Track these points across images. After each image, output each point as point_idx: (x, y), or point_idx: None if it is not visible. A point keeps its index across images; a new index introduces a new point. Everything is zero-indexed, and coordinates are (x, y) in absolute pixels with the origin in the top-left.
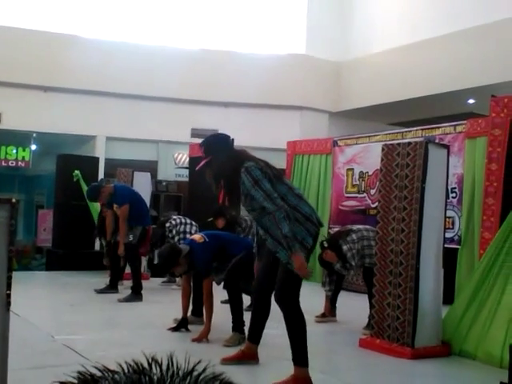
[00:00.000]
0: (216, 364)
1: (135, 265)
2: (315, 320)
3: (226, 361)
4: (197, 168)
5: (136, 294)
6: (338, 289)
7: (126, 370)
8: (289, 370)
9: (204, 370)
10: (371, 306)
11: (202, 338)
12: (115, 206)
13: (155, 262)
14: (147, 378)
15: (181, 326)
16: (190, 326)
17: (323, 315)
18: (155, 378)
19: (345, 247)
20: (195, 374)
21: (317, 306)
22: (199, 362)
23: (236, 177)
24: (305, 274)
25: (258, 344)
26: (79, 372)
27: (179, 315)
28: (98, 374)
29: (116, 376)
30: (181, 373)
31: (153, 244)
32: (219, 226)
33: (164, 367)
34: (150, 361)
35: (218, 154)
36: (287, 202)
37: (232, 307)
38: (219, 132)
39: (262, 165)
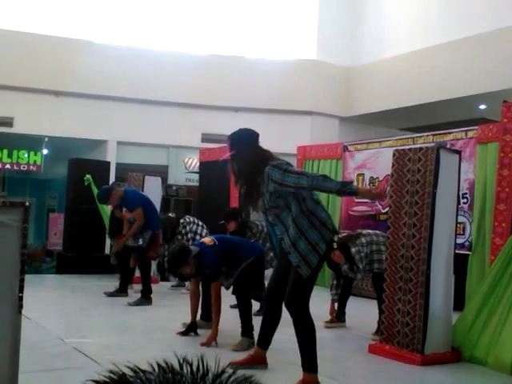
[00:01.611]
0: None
1: (144, 269)
2: (324, 325)
3: (235, 365)
4: (220, 159)
5: (146, 298)
6: (347, 294)
7: (157, 370)
8: (297, 374)
9: (234, 371)
10: (380, 312)
11: (211, 341)
12: (125, 210)
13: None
14: (179, 377)
15: (190, 330)
16: (198, 330)
17: (332, 320)
18: (188, 377)
19: (353, 249)
20: (225, 375)
21: (326, 310)
22: (229, 365)
23: (257, 175)
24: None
25: (266, 349)
26: (111, 371)
27: (188, 319)
28: (130, 373)
29: (149, 375)
30: (210, 374)
31: (163, 233)
32: (230, 228)
33: (193, 368)
34: (182, 361)
35: (242, 149)
36: (306, 206)
37: (241, 312)
38: (248, 128)
39: (286, 164)
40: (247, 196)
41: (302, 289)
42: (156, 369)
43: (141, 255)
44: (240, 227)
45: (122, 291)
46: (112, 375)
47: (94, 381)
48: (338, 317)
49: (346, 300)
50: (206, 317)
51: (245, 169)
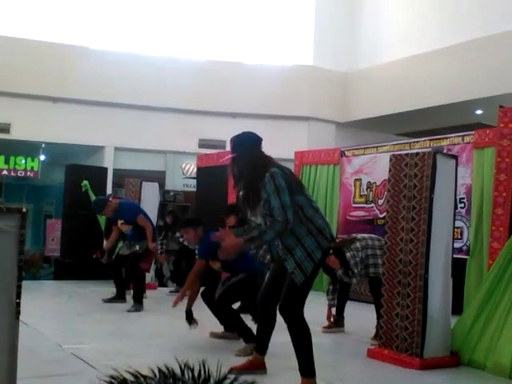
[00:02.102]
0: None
1: (138, 275)
2: (322, 330)
3: (235, 370)
4: (221, 160)
5: (139, 303)
6: (345, 298)
7: (158, 376)
8: (296, 379)
9: (236, 378)
10: (379, 317)
11: (176, 302)
12: (121, 222)
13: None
14: (180, 383)
15: (188, 318)
16: (222, 341)
17: (330, 326)
18: (190, 383)
19: (348, 254)
20: (227, 381)
21: (323, 315)
22: (230, 371)
23: (257, 180)
24: (223, 255)
25: (264, 355)
26: (112, 376)
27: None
28: (131, 378)
29: (150, 381)
30: (212, 380)
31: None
32: (230, 223)
33: (194, 374)
34: (183, 367)
35: (243, 153)
36: (303, 213)
37: (232, 325)
38: (252, 132)
39: (288, 173)
40: (245, 200)
41: (297, 294)
42: (157, 374)
43: (135, 261)
44: (239, 223)
45: (119, 297)
46: (113, 380)
47: None
48: (336, 322)
49: (344, 305)
50: (229, 328)
51: (244, 173)
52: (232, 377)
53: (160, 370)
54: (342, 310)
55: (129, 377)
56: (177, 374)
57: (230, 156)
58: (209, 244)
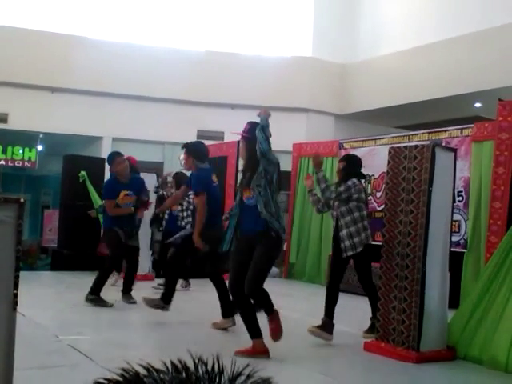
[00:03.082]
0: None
1: (135, 268)
2: (363, 336)
3: (239, 354)
4: (231, 132)
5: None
6: (336, 300)
7: (170, 369)
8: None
9: (249, 375)
10: (374, 310)
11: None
12: (124, 193)
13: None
14: (194, 378)
15: None
16: (221, 333)
17: (370, 329)
18: (205, 378)
19: (350, 183)
20: (243, 377)
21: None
22: (247, 366)
23: (254, 167)
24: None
25: (261, 337)
26: (123, 369)
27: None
28: (143, 371)
29: (162, 375)
30: (226, 375)
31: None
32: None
33: (208, 368)
34: (197, 361)
35: (251, 139)
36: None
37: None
38: (264, 125)
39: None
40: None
41: (260, 278)
42: (169, 367)
43: (135, 257)
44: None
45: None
46: (124, 373)
47: (105, 379)
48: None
49: (334, 306)
50: (225, 313)
51: (247, 156)
52: (247, 372)
53: (172, 363)
54: (331, 312)
55: (141, 370)
56: (189, 368)
57: (241, 133)
58: (204, 179)
